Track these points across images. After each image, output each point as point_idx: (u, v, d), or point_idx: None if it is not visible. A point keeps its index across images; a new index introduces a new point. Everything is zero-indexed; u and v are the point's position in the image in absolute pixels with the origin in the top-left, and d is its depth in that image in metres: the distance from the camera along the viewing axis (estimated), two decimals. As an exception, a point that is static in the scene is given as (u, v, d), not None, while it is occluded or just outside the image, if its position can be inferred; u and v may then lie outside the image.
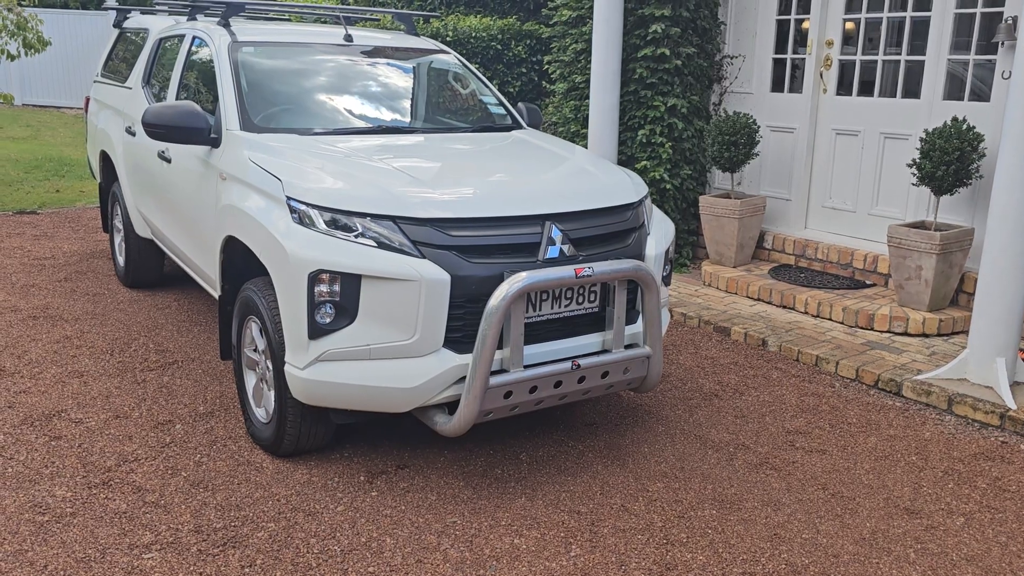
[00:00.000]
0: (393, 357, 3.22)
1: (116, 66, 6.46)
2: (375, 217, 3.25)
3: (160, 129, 4.05)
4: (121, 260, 6.21)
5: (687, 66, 6.68)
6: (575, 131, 7.16)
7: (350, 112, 4.40)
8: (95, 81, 6.85)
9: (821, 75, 6.38)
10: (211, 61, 4.54)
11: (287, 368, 3.34)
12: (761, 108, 6.78)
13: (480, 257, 3.27)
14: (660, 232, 3.93)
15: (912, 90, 5.90)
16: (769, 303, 6.00)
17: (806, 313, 5.77)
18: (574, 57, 7.12)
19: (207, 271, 4.36)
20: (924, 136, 5.36)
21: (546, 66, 7.76)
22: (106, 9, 7.39)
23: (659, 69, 6.60)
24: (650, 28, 6.49)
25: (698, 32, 6.74)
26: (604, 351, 3.55)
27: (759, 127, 6.48)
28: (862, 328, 5.46)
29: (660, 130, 6.67)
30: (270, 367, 3.62)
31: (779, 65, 6.71)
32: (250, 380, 3.88)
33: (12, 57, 8.99)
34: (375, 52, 4.88)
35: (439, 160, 3.86)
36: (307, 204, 3.33)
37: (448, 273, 3.18)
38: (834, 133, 6.36)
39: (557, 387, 3.39)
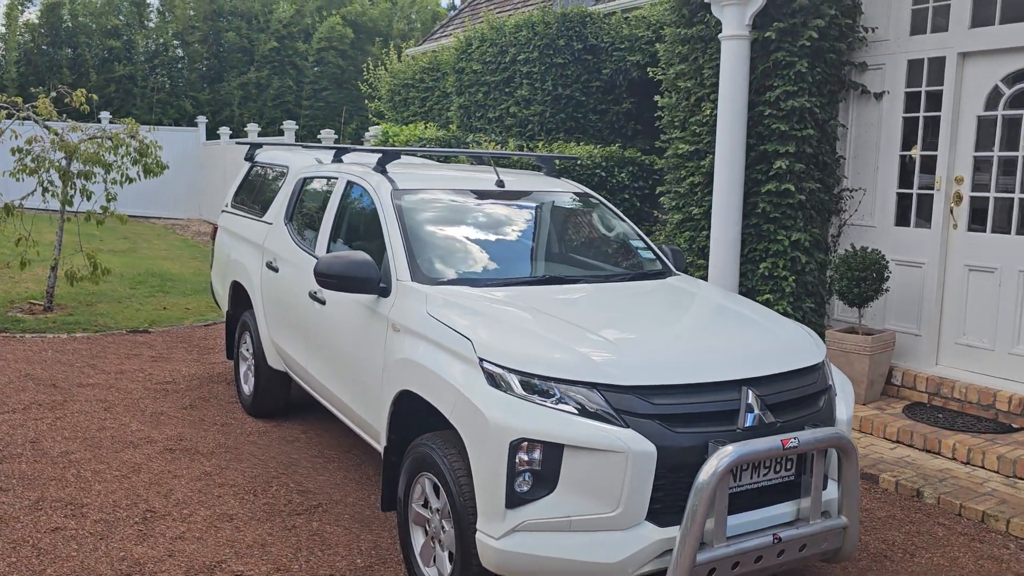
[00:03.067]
0: (594, 529, 3.11)
1: (249, 199, 6.65)
2: (575, 383, 3.20)
3: (332, 279, 4.10)
4: (247, 388, 6.24)
5: (810, 200, 6.67)
6: (691, 262, 7.15)
7: (513, 260, 4.43)
8: (224, 211, 7.05)
9: (951, 211, 6.31)
10: (371, 208, 4.62)
11: (479, 536, 3.24)
12: (885, 241, 6.70)
13: (682, 426, 3.18)
14: (843, 391, 3.82)
15: (1053, 229, 5.79)
16: (911, 446, 5.77)
17: (954, 459, 5.52)
18: (689, 189, 7.17)
19: (367, 419, 4.32)
20: (1078, 280, 5.22)
21: (660, 199, 7.80)
22: (242, 143, 7.67)
23: (782, 204, 6.60)
24: (773, 164, 6.53)
25: (819, 167, 6.76)
26: (799, 520, 3.40)
27: (888, 263, 6.39)
28: (1021, 479, 5.19)
29: (783, 263, 6.63)
30: (445, 527, 3.53)
31: (903, 197, 6.65)
32: (418, 537, 3.78)
33: (131, 180, 9.37)
34: (527, 196, 4.92)
35: (617, 314, 3.84)
36: (502, 367, 3.29)
37: (653, 444, 3.09)
38: (967, 269, 6.23)
39: (757, 562, 3.23)
